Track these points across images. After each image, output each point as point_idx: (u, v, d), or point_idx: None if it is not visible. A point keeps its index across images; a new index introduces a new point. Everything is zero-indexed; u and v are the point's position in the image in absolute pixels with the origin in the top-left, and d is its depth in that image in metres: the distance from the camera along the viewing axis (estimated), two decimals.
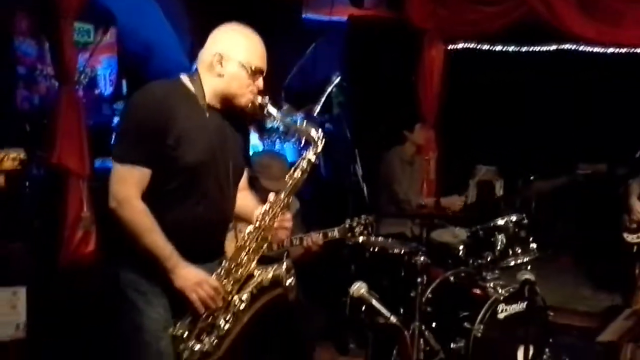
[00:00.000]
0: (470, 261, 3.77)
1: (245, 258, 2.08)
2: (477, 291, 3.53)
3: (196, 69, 2.09)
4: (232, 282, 2.06)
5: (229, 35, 2.06)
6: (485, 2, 4.62)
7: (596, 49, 5.56)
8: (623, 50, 5.45)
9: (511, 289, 3.43)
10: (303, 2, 5.88)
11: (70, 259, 3.32)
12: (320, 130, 2.12)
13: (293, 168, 2.14)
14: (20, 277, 3.08)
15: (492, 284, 3.54)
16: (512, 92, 6.09)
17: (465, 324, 3.38)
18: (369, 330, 3.78)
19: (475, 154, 6.39)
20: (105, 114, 5.43)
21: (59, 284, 3.35)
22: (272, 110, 2.11)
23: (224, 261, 2.10)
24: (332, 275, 3.93)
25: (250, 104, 2.09)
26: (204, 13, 5.24)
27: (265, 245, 2.12)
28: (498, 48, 5.90)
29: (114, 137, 2.09)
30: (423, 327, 3.39)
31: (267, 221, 2.09)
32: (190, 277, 1.97)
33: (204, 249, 2.11)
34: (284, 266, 2.10)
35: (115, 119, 5.51)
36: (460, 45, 5.79)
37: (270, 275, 2.08)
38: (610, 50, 5.49)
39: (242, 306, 2.05)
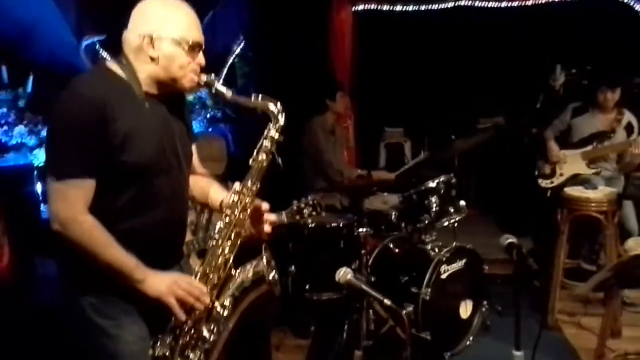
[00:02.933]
0: (403, 225, 3.82)
1: (221, 259, 1.90)
2: (419, 255, 3.59)
3: (122, 53, 1.82)
4: (209, 287, 1.87)
5: (154, 11, 1.79)
6: None
7: (491, 4, 5.74)
8: (515, 4, 5.66)
9: (451, 249, 3.53)
10: None
11: None
12: (279, 103, 1.92)
13: (256, 151, 1.93)
14: None
15: (431, 246, 3.63)
16: (413, 53, 6.18)
17: (412, 288, 3.42)
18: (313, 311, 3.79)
19: (381, 117, 6.51)
20: None
21: None
22: (221, 88, 1.88)
23: (195, 258, 1.93)
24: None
25: (194, 84, 1.85)
26: None
27: (239, 242, 1.92)
28: (398, 8, 5.89)
29: (45, 152, 1.79)
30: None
31: (238, 214, 1.90)
32: (162, 281, 1.79)
33: (166, 253, 1.92)
34: (264, 260, 1.93)
35: None
36: (361, 7, 5.74)
37: (250, 274, 1.91)
38: (504, 4, 5.69)
39: (225, 312, 1.88)
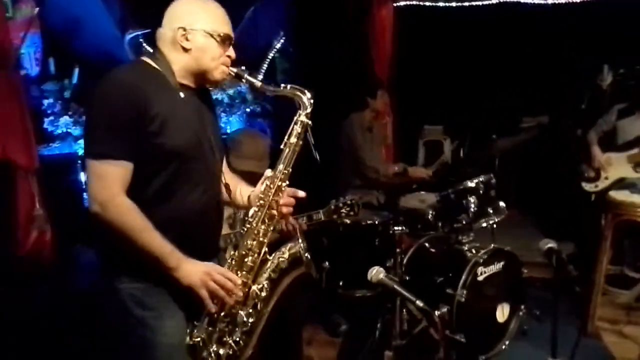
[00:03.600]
0: (440, 224, 3.77)
1: (255, 243, 1.92)
2: (455, 255, 3.53)
3: (157, 48, 1.90)
4: (245, 272, 1.90)
5: (186, 7, 1.90)
6: None
7: (536, 0, 5.59)
8: (563, 1, 5.50)
9: (489, 251, 3.46)
10: None
11: (24, 263, 3.01)
12: (309, 92, 1.97)
13: (287, 135, 1.97)
14: None
15: (469, 247, 3.56)
16: (455, 50, 6.07)
17: (448, 289, 3.37)
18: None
19: (421, 114, 6.42)
20: (33, 96, 4.97)
21: (12, 291, 3.05)
22: (250, 78, 1.95)
23: (232, 251, 1.93)
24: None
25: (225, 76, 1.93)
26: None
27: (274, 225, 1.96)
28: (441, 4, 5.79)
29: (85, 133, 1.84)
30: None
31: (271, 198, 1.94)
32: (196, 270, 1.81)
33: (203, 243, 1.94)
34: (300, 243, 1.98)
35: (45, 101, 5.08)
36: (402, 3, 5.67)
37: (286, 255, 1.95)
38: (550, 1, 5.53)
39: (263, 294, 1.89)
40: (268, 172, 1.98)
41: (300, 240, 1.99)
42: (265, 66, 5.98)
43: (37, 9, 4.17)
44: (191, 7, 1.89)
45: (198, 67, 1.90)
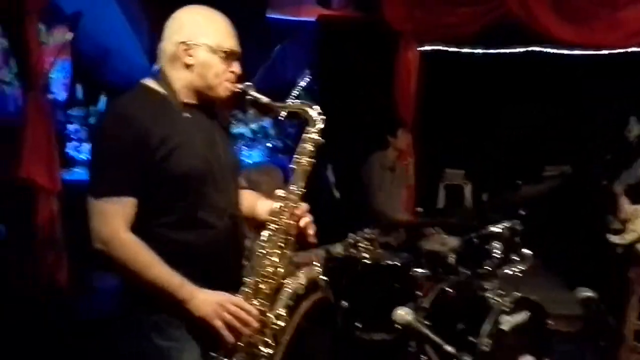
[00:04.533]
0: (461, 269, 3.68)
1: (271, 269, 1.82)
2: (478, 302, 3.42)
3: (158, 69, 1.82)
4: (261, 299, 1.79)
5: (189, 18, 1.80)
6: (462, 4, 4.54)
7: (563, 51, 5.61)
8: (589, 52, 5.51)
9: (514, 300, 3.35)
10: (267, 1, 5.66)
11: (41, 287, 2.96)
12: (317, 106, 1.89)
13: (297, 154, 1.89)
14: None
15: (492, 294, 3.45)
16: (479, 95, 6.07)
17: (470, 337, 3.25)
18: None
19: (442, 158, 6.39)
20: (59, 120, 5.01)
21: (28, 315, 2.99)
22: (257, 95, 1.86)
23: (246, 279, 1.82)
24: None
25: (229, 93, 1.85)
26: (163, 12, 4.94)
27: (291, 249, 1.86)
28: (465, 50, 5.84)
29: (89, 172, 1.81)
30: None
31: (285, 220, 1.84)
32: (210, 300, 1.71)
33: (222, 274, 1.82)
34: (316, 267, 1.90)
35: (70, 127, 5.13)
36: (428, 48, 5.71)
37: (303, 280, 1.85)
38: (577, 52, 5.55)
39: (281, 322, 1.80)
40: (280, 192, 1.89)
41: (315, 264, 1.92)
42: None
43: (71, 35, 4.23)
44: (193, 19, 1.80)
45: (201, 84, 1.81)
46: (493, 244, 3.54)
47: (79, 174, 4.72)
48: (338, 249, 2.93)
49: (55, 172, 2.99)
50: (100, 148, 1.74)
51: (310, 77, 5.85)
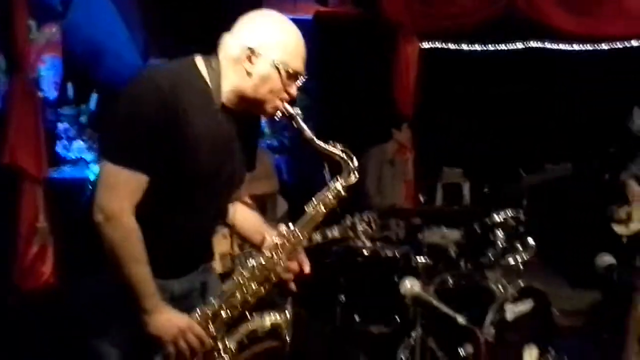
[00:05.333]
0: (463, 262, 3.60)
1: (241, 299, 1.75)
2: (481, 292, 3.33)
3: (215, 56, 1.74)
4: (220, 325, 1.73)
5: (266, 27, 1.71)
6: None
7: (562, 46, 5.57)
8: (588, 47, 5.48)
9: (517, 288, 3.25)
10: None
11: (24, 278, 2.84)
12: (355, 159, 1.81)
13: (315, 199, 1.82)
14: None
15: (495, 284, 3.36)
16: (479, 92, 6.02)
17: (473, 327, 3.15)
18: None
19: (440, 156, 6.31)
20: (49, 119, 4.92)
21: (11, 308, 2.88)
22: (303, 125, 1.77)
23: (212, 299, 1.75)
24: (320, 286, 3.64)
25: (276, 113, 1.76)
26: (158, 7, 4.89)
27: (266, 288, 1.79)
28: (465, 47, 5.80)
29: (106, 133, 1.75)
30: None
31: (278, 259, 1.78)
32: (172, 324, 1.66)
33: (190, 259, 1.84)
34: (286, 314, 1.79)
35: (60, 125, 5.04)
36: (426, 45, 5.66)
37: (267, 324, 1.76)
38: (576, 47, 5.51)
39: (226, 356, 1.72)
40: (283, 229, 1.82)
41: (287, 311, 1.81)
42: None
43: (57, 30, 4.15)
44: (269, 29, 1.71)
45: (252, 94, 1.72)
46: (496, 232, 3.47)
47: (68, 171, 4.63)
48: (335, 231, 2.83)
49: (42, 159, 2.89)
50: (130, 116, 1.64)
51: (307, 75, 5.78)
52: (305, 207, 1.82)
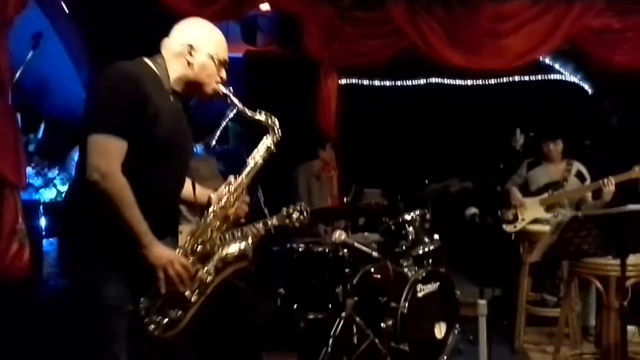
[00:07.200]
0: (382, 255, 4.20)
1: (210, 235, 2.27)
2: (397, 276, 3.95)
3: (159, 54, 2.21)
4: (198, 257, 2.23)
5: (198, 28, 2.26)
6: (371, 37, 5.27)
7: (457, 82, 6.49)
8: (479, 82, 6.43)
9: (426, 271, 3.95)
10: None
11: (4, 274, 3.22)
12: (277, 121, 2.43)
13: (254, 153, 2.40)
14: None
15: (408, 269, 4.01)
16: (390, 122, 6.80)
17: (392, 304, 3.78)
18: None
19: (361, 178, 6.98)
20: None
21: None
22: (235, 100, 2.35)
23: (188, 237, 2.25)
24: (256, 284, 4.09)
25: (215, 93, 2.30)
26: (101, 46, 5.31)
27: (227, 223, 2.35)
28: (376, 83, 6.62)
29: (88, 113, 2.10)
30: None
31: (231, 201, 2.34)
32: (162, 255, 2.07)
33: (163, 225, 2.22)
34: (249, 241, 2.37)
35: None
36: (344, 81, 6.42)
37: (235, 250, 2.31)
38: (469, 82, 6.45)
39: (209, 279, 2.23)
40: (231, 179, 2.37)
41: (250, 240, 2.37)
42: (218, 133, 6.48)
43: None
44: (202, 31, 2.24)
45: (194, 79, 2.21)
46: (407, 228, 4.16)
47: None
48: (274, 220, 3.39)
49: (22, 169, 3.30)
50: (106, 91, 2.05)
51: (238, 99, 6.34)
52: (247, 159, 2.35)
